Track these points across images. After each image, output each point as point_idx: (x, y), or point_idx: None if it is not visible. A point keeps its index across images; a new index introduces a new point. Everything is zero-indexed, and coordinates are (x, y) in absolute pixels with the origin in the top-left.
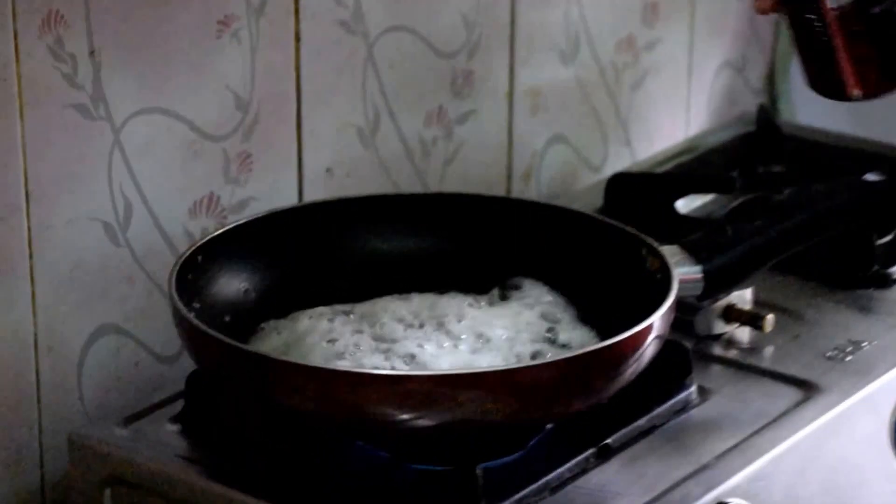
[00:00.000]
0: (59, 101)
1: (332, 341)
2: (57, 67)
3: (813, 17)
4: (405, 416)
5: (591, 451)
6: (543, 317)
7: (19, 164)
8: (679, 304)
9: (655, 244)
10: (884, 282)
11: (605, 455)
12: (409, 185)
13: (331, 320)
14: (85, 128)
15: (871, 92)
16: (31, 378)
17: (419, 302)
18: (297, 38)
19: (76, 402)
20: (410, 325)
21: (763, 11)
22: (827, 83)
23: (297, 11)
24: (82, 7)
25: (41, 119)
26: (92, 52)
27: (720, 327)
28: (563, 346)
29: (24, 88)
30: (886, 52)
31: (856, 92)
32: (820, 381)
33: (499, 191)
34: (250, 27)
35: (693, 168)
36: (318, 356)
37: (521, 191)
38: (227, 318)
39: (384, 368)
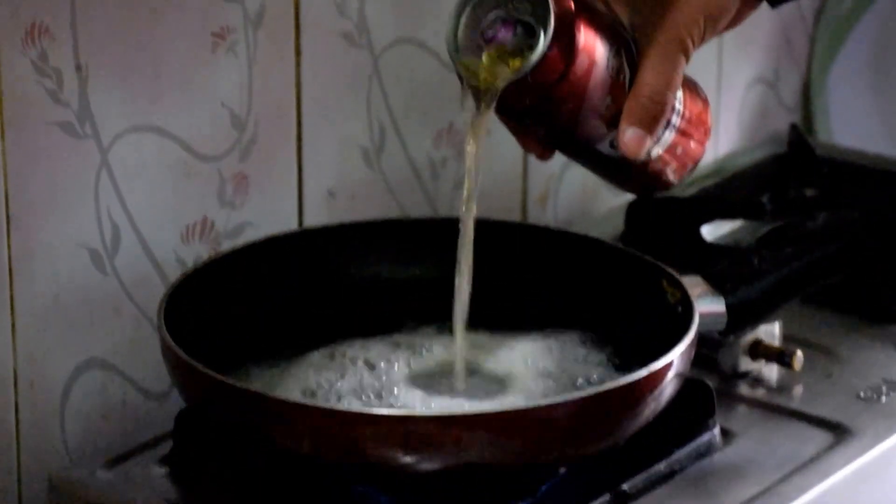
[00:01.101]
0: (42, 119)
1: (328, 381)
2: (40, 83)
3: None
4: (407, 459)
5: (606, 497)
6: (559, 352)
7: (0, 185)
8: (701, 339)
9: (676, 274)
10: None
11: (621, 502)
12: (416, 208)
13: (331, 357)
14: (70, 147)
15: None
16: (9, 415)
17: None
18: (298, 52)
19: (58, 442)
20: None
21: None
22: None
23: (297, 23)
24: (68, 18)
25: (23, 138)
26: (78, 67)
27: (746, 364)
28: (579, 384)
29: (5, 105)
30: None
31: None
32: (853, 423)
33: (513, 215)
34: (247, 40)
35: (720, 192)
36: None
37: (536, 215)
38: (219, 352)
39: (385, 407)
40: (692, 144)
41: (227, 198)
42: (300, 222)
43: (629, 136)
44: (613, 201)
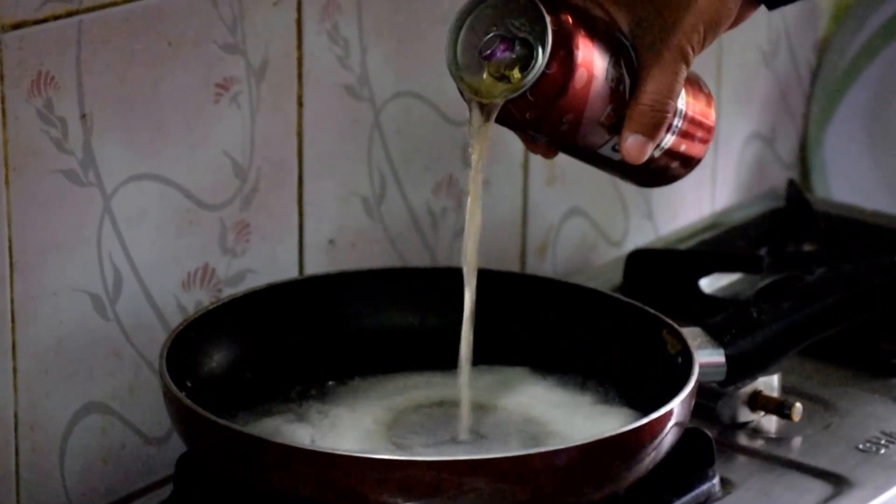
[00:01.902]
0: (47, 167)
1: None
2: (46, 131)
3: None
4: None
5: None
6: (557, 402)
7: (4, 231)
8: (701, 389)
9: (676, 326)
10: None
11: None
12: (416, 258)
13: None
14: (74, 194)
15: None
16: (9, 459)
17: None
18: (300, 103)
19: (57, 486)
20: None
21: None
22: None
23: (299, 75)
24: (74, 68)
25: (28, 185)
26: (83, 116)
27: (745, 415)
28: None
29: (10, 153)
30: None
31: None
32: (852, 474)
33: (512, 266)
34: (250, 91)
35: (718, 245)
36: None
37: (535, 266)
38: (220, 398)
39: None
40: (695, 143)
41: (229, 245)
42: (300, 270)
43: (631, 143)
44: (612, 253)
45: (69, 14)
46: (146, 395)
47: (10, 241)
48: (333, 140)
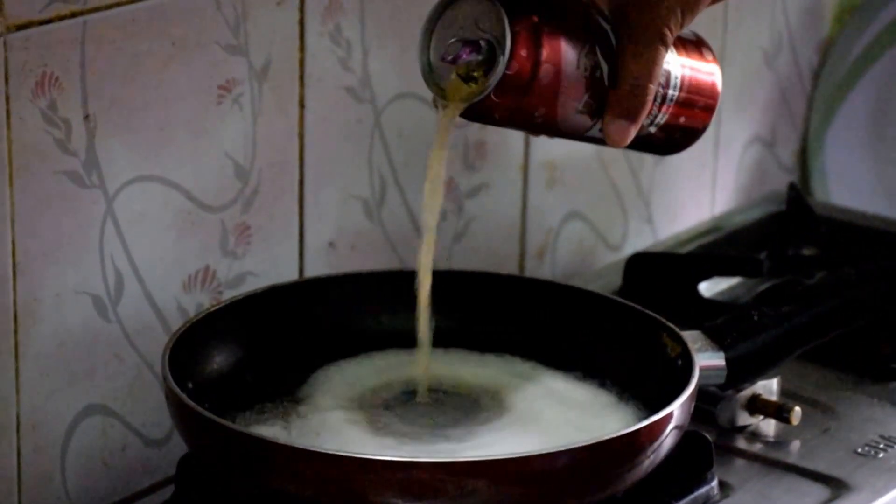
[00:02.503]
0: (50, 168)
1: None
2: (49, 132)
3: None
4: None
5: None
6: (560, 403)
7: (7, 233)
8: (700, 392)
9: (676, 329)
10: None
11: None
12: (415, 260)
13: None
14: (77, 196)
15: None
16: (12, 460)
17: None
18: (302, 105)
19: (59, 487)
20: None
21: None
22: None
23: (301, 77)
24: (78, 69)
25: (32, 186)
26: (87, 117)
27: (744, 419)
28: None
29: (14, 154)
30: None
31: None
32: (850, 478)
33: (511, 269)
34: (252, 93)
35: (718, 249)
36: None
37: (534, 269)
38: (221, 399)
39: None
40: (697, 110)
41: (230, 247)
42: (301, 272)
43: (613, 128)
44: (611, 257)
45: (74, 15)
46: (147, 396)
47: (13, 242)
48: (335, 142)
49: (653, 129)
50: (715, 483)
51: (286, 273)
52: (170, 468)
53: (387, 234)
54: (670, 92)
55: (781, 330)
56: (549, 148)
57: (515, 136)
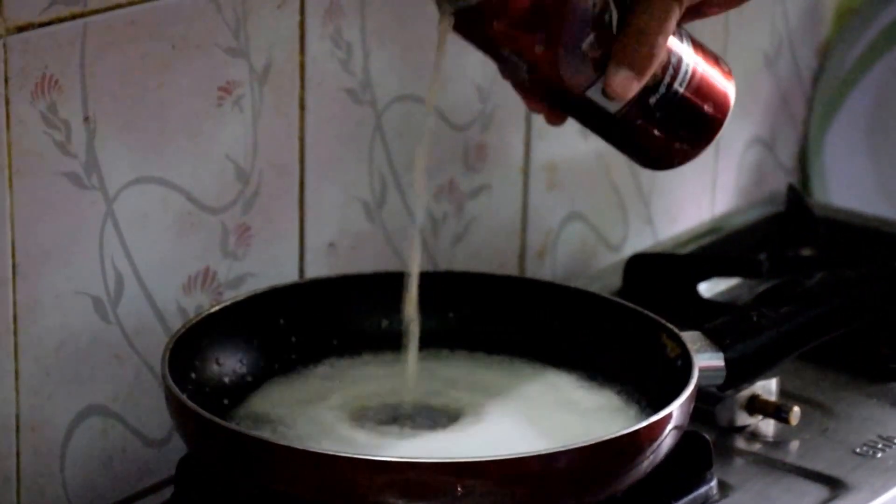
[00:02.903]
0: (50, 170)
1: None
2: (49, 134)
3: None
4: None
5: None
6: (559, 403)
7: (7, 234)
8: (700, 393)
9: (675, 329)
10: None
11: None
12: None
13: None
14: (77, 197)
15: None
16: (11, 461)
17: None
18: (302, 107)
19: (58, 489)
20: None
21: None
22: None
23: (302, 79)
24: (78, 71)
25: (31, 188)
26: (86, 119)
27: (743, 419)
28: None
29: (14, 156)
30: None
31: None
32: (848, 478)
33: (512, 270)
34: (253, 94)
35: (718, 250)
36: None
37: (535, 270)
38: (223, 401)
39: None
40: (706, 111)
41: (230, 249)
42: (301, 273)
43: (616, 79)
44: (611, 258)
45: (74, 17)
46: (147, 397)
47: (13, 243)
48: (335, 144)
49: (656, 115)
50: (714, 483)
51: (286, 274)
52: (169, 469)
53: (387, 235)
54: (676, 85)
55: (781, 331)
56: (549, 150)
57: (516, 139)
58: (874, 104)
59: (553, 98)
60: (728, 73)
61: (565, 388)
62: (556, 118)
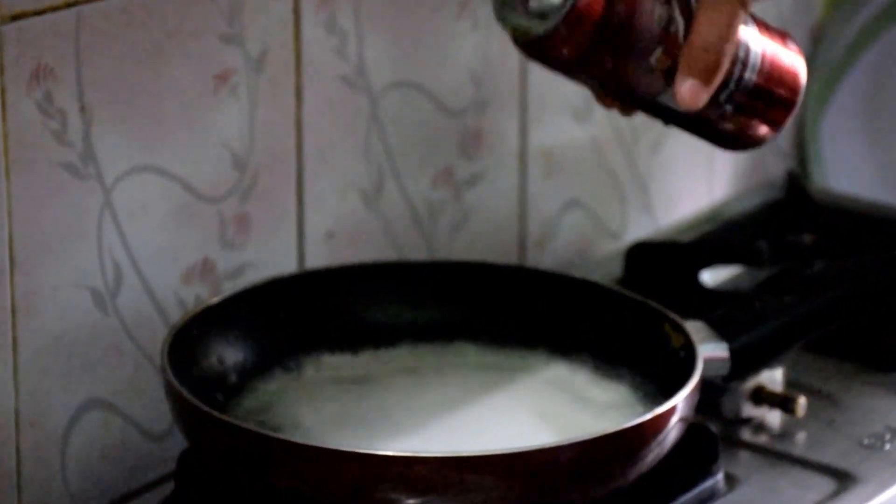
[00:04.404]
0: (47, 160)
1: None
2: (45, 124)
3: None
4: (410, 501)
5: None
6: (561, 395)
7: (4, 226)
8: (704, 384)
9: (679, 319)
10: None
11: None
12: (414, 250)
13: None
14: (74, 188)
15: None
16: (10, 456)
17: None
18: (298, 94)
19: (59, 483)
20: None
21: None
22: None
23: (297, 66)
24: (73, 60)
25: (28, 178)
26: (82, 108)
27: (748, 410)
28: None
29: (10, 146)
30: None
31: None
32: (856, 470)
33: (511, 258)
34: (249, 82)
35: (719, 237)
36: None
37: (535, 259)
38: (223, 394)
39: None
40: (776, 99)
41: (228, 239)
42: (300, 263)
43: (685, 89)
44: (610, 245)
45: (68, 5)
46: (147, 390)
47: (10, 235)
48: (332, 132)
49: (728, 108)
50: (720, 476)
51: (285, 264)
52: (171, 463)
53: (386, 223)
54: (747, 74)
55: (786, 320)
56: (545, 135)
57: (512, 125)
58: (870, 87)
59: (625, 98)
60: (796, 48)
61: (566, 379)
62: (628, 111)
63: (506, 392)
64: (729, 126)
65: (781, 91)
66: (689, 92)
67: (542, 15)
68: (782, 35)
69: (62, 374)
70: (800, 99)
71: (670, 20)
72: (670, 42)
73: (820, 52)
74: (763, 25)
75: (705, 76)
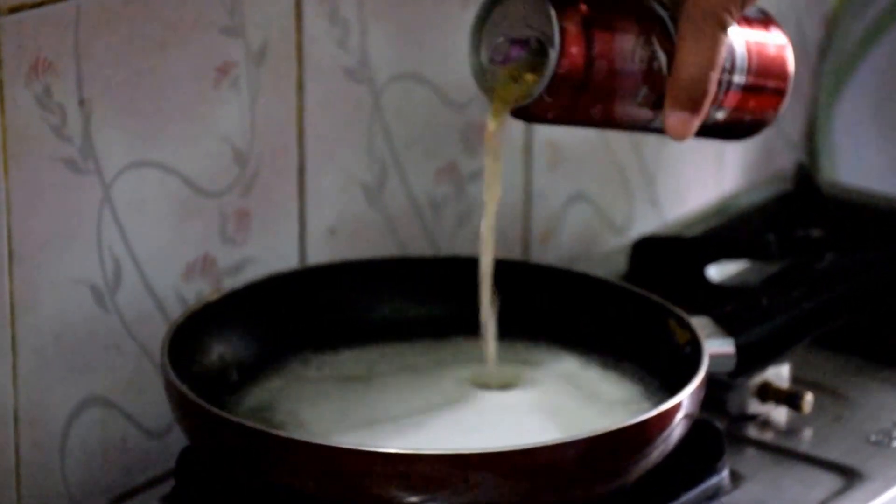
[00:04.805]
0: (46, 155)
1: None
2: (44, 118)
3: None
4: (412, 499)
5: None
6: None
7: (2, 221)
8: (710, 380)
9: (684, 315)
10: None
11: None
12: (418, 246)
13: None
14: (73, 183)
15: None
16: (9, 453)
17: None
18: (300, 87)
19: (58, 481)
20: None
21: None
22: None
23: (299, 58)
24: (72, 53)
25: (27, 173)
26: (82, 102)
27: (754, 407)
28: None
29: (8, 140)
30: None
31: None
32: (863, 467)
33: (515, 253)
34: (250, 75)
35: (726, 231)
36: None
37: (539, 254)
38: (224, 391)
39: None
40: (766, 93)
41: (229, 234)
42: (302, 258)
43: (673, 121)
44: (616, 239)
45: None
46: (147, 387)
47: (8, 230)
48: (334, 125)
49: (719, 116)
50: (726, 473)
51: (287, 259)
52: (171, 461)
53: (389, 219)
54: (735, 78)
55: (792, 315)
56: (551, 128)
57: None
58: (883, 77)
59: (617, 129)
60: (779, 29)
61: (569, 375)
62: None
63: (511, 388)
64: (723, 124)
65: (771, 82)
66: (678, 124)
67: (520, 79)
68: (765, 20)
69: (61, 372)
70: (790, 82)
71: (652, 57)
72: (654, 78)
73: (832, 43)
74: (744, 18)
75: (693, 107)
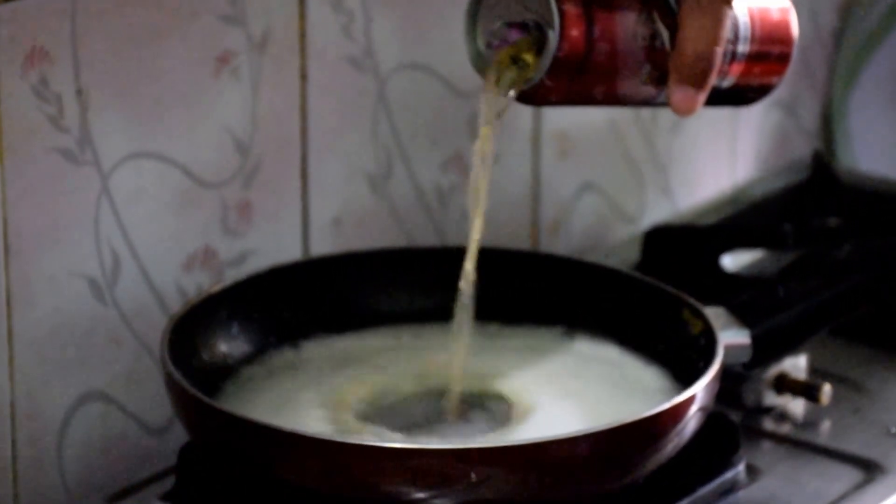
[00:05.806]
0: (42, 145)
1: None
2: (41, 108)
3: None
4: (419, 494)
5: None
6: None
7: None
8: (725, 372)
9: (699, 305)
10: None
11: None
12: (424, 236)
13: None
14: (70, 174)
15: None
16: (6, 450)
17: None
18: (303, 76)
19: (56, 477)
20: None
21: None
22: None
23: (302, 47)
24: (69, 42)
25: (23, 164)
26: (79, 92)
27: (771, 399)
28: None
29: (4, 131)
30: None
31: None
32: (883, 460)
33: (524, 244)
34: (251, 64)
35: (740, 220)
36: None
37: (548, 244)
38: (225, 385)
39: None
40: (771, 60)
41: (231, 226)
42: (305, 250)
43: (679, 98)
44: (627, 229)
45: None
46: (146, 382)
47: (4, 222)
48: (338, 115)
49: (724, 85)
50: (742, 467)
51: (290, 251)
52: (171, 457)
53: (393, 209)
54: (740, 47)
55: (810, 305)
56: (559, 116)
57: (524, 106)
58: None
59: (621, 106)
60: (785, 7)
61: (580, 366)
62: None
63: (509, 382)
64: (728, 92)
65: (776, 48)
66: (684, 100)
67: (523, 63)
68: None
69: (59, 366)
70: (795, 46)
71: (654, 35)
72: (657, 56)
73: (848, 26)
74: None
75: (697, 82)
